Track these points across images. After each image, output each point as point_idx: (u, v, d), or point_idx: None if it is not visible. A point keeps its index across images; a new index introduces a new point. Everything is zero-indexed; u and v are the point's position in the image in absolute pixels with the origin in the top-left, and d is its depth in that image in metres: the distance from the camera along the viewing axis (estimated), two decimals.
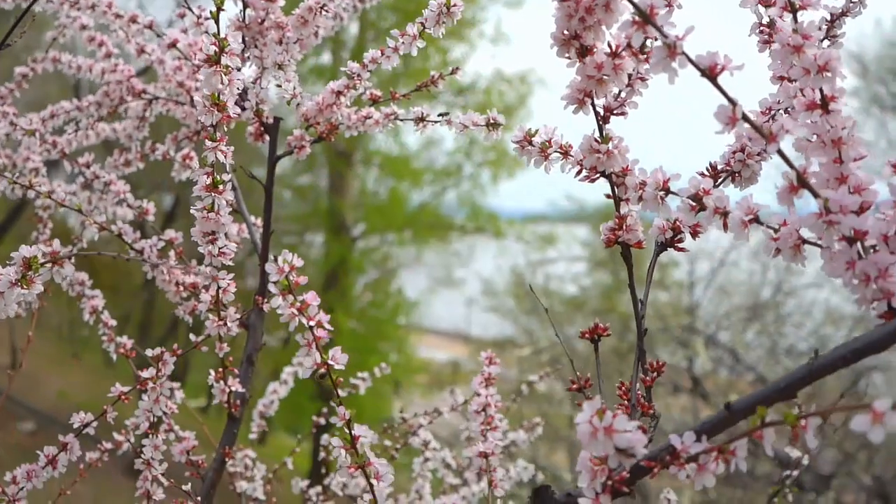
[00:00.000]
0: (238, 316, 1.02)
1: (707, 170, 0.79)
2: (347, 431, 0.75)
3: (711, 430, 0.60)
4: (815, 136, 0.62)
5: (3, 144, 1.41)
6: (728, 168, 0.78)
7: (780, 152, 0.58)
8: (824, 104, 0.62)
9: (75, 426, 1.03)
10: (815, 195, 0.59)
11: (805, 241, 0.62)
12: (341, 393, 1.56)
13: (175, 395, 1.33)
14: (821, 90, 0.61)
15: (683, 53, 0.57)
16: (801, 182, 0.60)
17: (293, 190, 11.75)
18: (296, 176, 11.77)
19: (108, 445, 1.25)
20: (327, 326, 0.72)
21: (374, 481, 0.74)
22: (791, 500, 1.21)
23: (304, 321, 0.72)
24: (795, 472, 1.22)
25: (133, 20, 1.19)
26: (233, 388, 1.08)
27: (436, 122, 1.06)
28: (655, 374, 0.72)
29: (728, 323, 6.99)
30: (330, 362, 0.73)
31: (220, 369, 1.08)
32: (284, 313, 0.71)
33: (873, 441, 0.45)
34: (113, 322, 1.22)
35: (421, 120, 1.08)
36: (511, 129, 0.86)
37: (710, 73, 0.58)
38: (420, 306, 12.02)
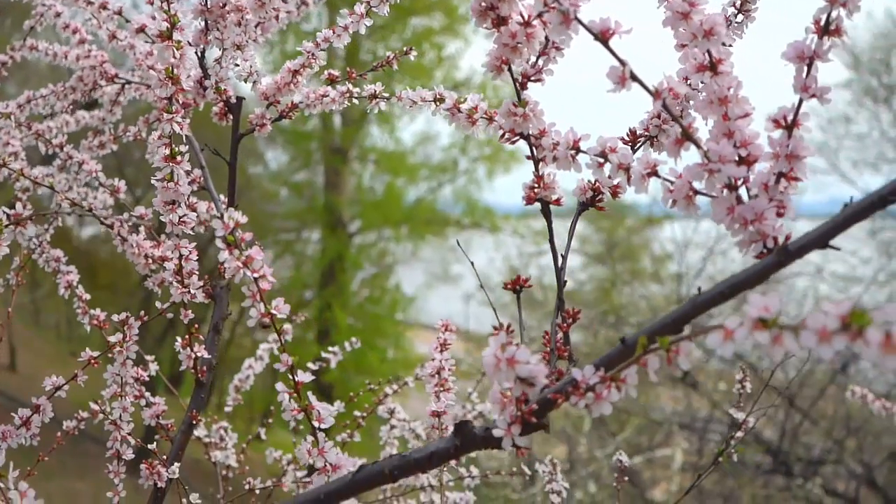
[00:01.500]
0: (201, 284, 1.08)
1: (627, 134, 0.85)
2: (291, 378, 0.80)
3: (609, 364, 0.66)
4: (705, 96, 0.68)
5: None
6: (646, 133, 0.84)
7: (664, 107, 0.64)
8: (713, 66, 0.68)
9: (47, 389, 1.09)
10: (698, 147, 0.65)
11: (697, 192, 0.68)
12: (312, 366, 1.61)
13: (150, 367, 1.39)
14: (708, 52, 0.67)
15: (576, 19, 0.63)
16: (685, 136, 0.66)
17: (290, 187, 11.82)
18: (292, 173, 11.84)
19: (84, 415, 1.31)
20: (271, 279, 0.78)
21: (315, 423, 0.80)
22: (736, 460, 1.26)
23: (249, 274, 0.77)
24: (740, 434, 1.27)
25: (103, 6, 1.25)
26: (199, 355, 1.14)
27: (387, 98, 1.12)
28: (571, 320, 0.78)
29: (718, 312, 7.05)
30: (273, 311, 0.78)
31: (187, 336, 1.14)
32: (230, 267, 0.77)
33: (723, 355, 0.51)
34: (87, 296, 1.27)
35: (374, 97, 1.14)
36: None
37: (602, 37, 0.64)
38: (417, 302, 12.07)
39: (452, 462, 1.48)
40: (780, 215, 0.65)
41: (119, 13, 1.25)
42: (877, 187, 0.60)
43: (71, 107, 1.40)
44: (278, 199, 11.97)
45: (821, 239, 0.60)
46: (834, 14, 0.65)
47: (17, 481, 0.77)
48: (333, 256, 10.98)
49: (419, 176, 11.82)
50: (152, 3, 1.24)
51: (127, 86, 1.40)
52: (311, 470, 0.82)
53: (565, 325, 0.77)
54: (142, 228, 1.24)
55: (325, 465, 0.79)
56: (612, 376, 0.62)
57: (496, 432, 0.68)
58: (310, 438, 0.80)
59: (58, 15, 1.35)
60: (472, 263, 1.23)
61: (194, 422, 1.18)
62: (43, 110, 1.39)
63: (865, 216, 0.59)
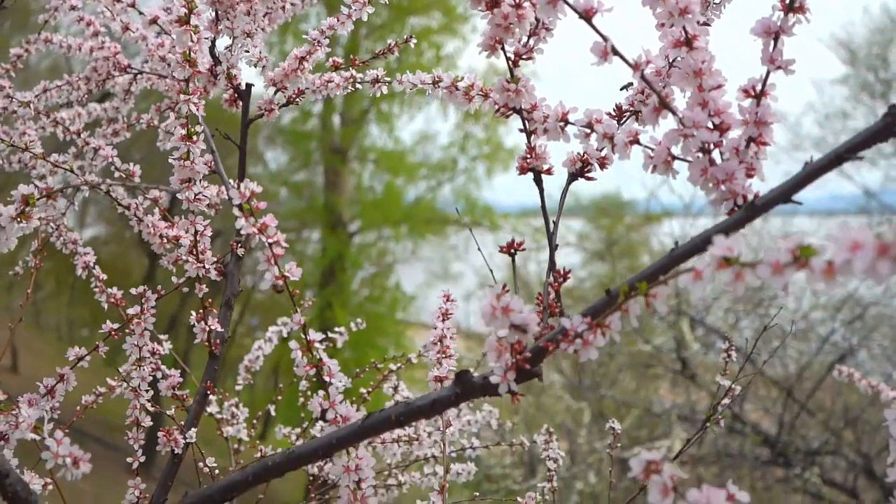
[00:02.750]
0: (215, 259, 1.14)
1: (613, 110, 0.91)
2: (304, 336, 0.87)
3: (595, 313, 0.72)
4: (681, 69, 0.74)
5: (1, 121, 1.54)
6: (631, 108, 0.90)
7: (643, 78, 0.70)
8: (688, 42, 0.74)
9: (70, 359, 1.15)
10: (674, 113, 0.71)
11: (674, 157, 0.75)
12: (318, 339, 1.67)
13: (164, 345, 1.45)
14: (684, 29, 0.74)
15: (562, 0, 0.70)
16: (662, 104, 0.72)
17: (289, 187, 11.87)
18: (292, 173, 11.90)
19: (102, 390, 1.37)
20: (284, 244, 0.84)
21: (327, 378, 0.86)
22: (724, 426, 1.32)
23: (264, 240, 0.84)
24: (727, 401, 1.34)
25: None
26: (213, 328, 1.21)
27: (388, 82, 1.19)
28: (563, 279, 0.84)
29: (717, 306, 7.13)
30: (287, 274, 0.85)
31: (201, 310, 1.20)
32: (247, 233, 0.83)
33: (695, 295, 0.57)
34: (104, 276, 1.34)
35: (376, 81, 1.20)
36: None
37: (586, 14, 0.70)
38: (417, 301, 12.12)
39: (456, 433, 1.54)
40: (749, 176, 0.71)
41: (132, 5, 1.31)
42: (874, 183, 0.67)
43: (85, 96, 1.46)
44: (278, 198, 12.03)
45: (785, 194, 0.66)
46: None
47: (52, 432, 0.83)
48: (333, 256, 11.04)
49: (418, 175, 11.89)
50: None
51: (139, 76, 1.46)
52: None
53: (556, 284, 0.83)
54: (156, 210, 1.30)
55: (336, 417, 0.85)
56: (598, 323, 0.69)
57: (493, 379, 0.74)
58: (321, 392, 0.86)
59: (73, 8, 1.42)
60: (481, 250, 1.27)
61: (209, 392, 1.24)
62: (59, 99, 1.46)
63: (825, 172, 0.65)
